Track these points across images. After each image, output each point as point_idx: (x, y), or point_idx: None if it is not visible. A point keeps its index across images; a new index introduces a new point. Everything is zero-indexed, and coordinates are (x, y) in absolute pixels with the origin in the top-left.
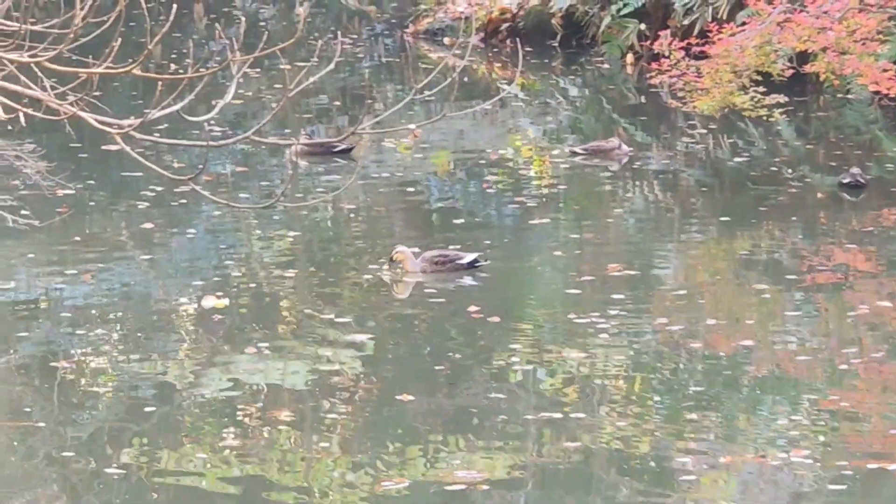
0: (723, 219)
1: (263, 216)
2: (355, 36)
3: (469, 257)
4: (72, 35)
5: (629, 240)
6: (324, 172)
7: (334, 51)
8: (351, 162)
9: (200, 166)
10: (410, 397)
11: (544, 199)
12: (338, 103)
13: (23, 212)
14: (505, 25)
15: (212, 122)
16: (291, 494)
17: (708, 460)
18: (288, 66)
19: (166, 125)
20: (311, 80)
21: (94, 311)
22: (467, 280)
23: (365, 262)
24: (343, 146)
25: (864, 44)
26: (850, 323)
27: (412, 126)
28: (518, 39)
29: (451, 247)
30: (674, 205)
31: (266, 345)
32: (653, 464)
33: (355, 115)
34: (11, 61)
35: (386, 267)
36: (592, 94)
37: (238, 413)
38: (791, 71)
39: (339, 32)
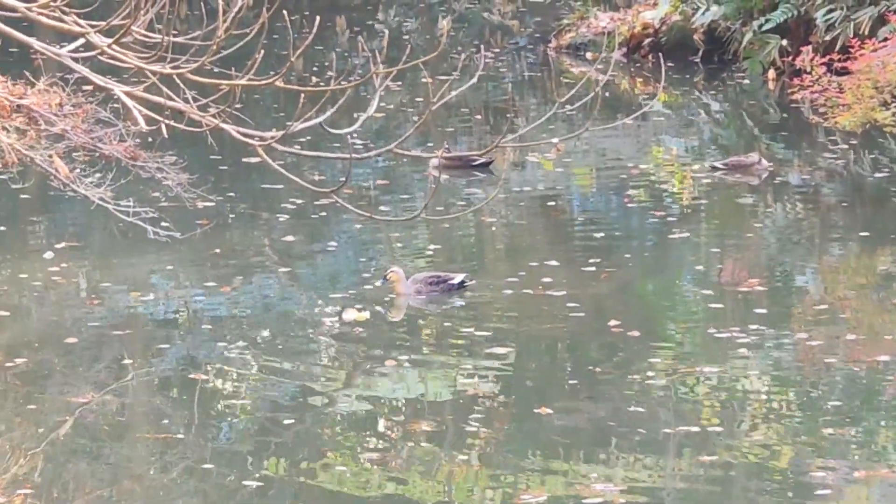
0: (863, 234)
1: (405, 229)
2: (498, 50)
3: (458, 278)
4: (214, 47)
5: (769, 254)
6: (465, 186)
7: (477, 65)
8: (491, 176)
9: (343, 179)
10: (549, 411)
11: (685, 214)
12: (479, 117)
13: (163, 224)
14: (647, 41)
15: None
16: None
17: (846, 475)
18: (430, 80)
19: (308, 138)
20: (454, 93)
21: (233, 324)
22: (458, 301)
23: (503, 276)
24: (482, 160)
25: None
26: None
27: (555, 140)
28: (660, 54)
29: (590, 261)
30: (814, 220)
31: (406, 358)
32: (791, 478)
33: (497, 130)
34: (154, 73)
35: (378, 284)
36: (733, 110)
37: (378, 426)
38: None
39: (481, 46)
